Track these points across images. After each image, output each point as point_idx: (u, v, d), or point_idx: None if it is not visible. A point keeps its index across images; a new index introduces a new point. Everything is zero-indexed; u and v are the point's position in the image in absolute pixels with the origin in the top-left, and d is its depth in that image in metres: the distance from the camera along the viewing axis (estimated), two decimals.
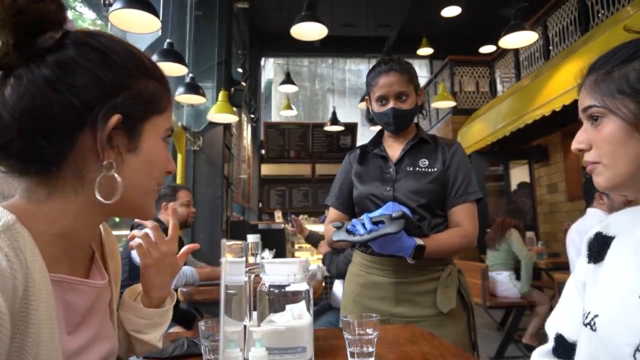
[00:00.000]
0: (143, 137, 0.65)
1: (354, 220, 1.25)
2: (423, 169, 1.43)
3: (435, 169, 1.43)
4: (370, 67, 1.52)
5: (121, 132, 0.62)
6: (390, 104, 1.44)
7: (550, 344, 0.79)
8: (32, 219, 0.58)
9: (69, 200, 0.61)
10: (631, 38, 0.71)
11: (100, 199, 0.60)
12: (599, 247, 0.74)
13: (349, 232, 1.23)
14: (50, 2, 0.58)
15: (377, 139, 1.57)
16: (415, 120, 1.55)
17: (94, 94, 0.59)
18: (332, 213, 1.57)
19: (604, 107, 0.69)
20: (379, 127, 1.58)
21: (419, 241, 1.25)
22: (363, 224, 1.20)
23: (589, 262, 0.75)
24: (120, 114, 0.61)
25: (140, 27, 2.48)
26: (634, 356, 0.59)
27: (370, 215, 1.23)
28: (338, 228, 1.26)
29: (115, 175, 0.61)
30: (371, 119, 1.55)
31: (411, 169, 1.44)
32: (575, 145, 0.74)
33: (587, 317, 0.69)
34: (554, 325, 0.80)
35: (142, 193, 0.67)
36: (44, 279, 0.56)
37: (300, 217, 6.98)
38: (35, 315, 0.53)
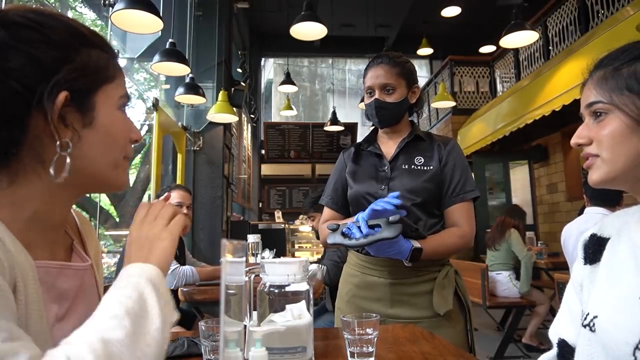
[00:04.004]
0: (97, 110, 0.62)
1: (349, 222, 1.21)
2: (419, 167, 1.40)
3: (431, 167, 1.39)
4: None
5: (72, 108, 0.59)
6: (375, 96, 1.42)
7: (554, 350, 0.79)
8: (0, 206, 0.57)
9: (33, 184, 0.60)
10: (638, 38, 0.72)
11: (53, 173, 0.57)
12: (594, 249, 0.74)
13: (344, 234, 1.19)
14: None
15: (372, 137, 1.53)
16: (411, 118, 1.53)
17: (34, 75, 0.56)
18: (326, 213, 1.54)
19: (611, 103, 0.70)
20: None
21: (416, 244, 1.23)
22: (359, 227, 1.16)
23: (585, 264, 0.75)
24: (67, 90, 0.58)
25: (142, 28, 2.48)
26: (634, 354, 0.59)
27: (364, 216, 1.18)
28: (333, 230, 1.22)
29: (66, 156, 0.58)
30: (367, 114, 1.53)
31: (406, 166, 1.41)
32: (575, 139, 0.75)
33: (585, 318, 0.69)
34: (556, 332, 0.80)
35: (108, 167, 0.65)
36: (30, 265, 0.56)
37: (300, 217, 7.00)
38: (23, 303, 0.53)
